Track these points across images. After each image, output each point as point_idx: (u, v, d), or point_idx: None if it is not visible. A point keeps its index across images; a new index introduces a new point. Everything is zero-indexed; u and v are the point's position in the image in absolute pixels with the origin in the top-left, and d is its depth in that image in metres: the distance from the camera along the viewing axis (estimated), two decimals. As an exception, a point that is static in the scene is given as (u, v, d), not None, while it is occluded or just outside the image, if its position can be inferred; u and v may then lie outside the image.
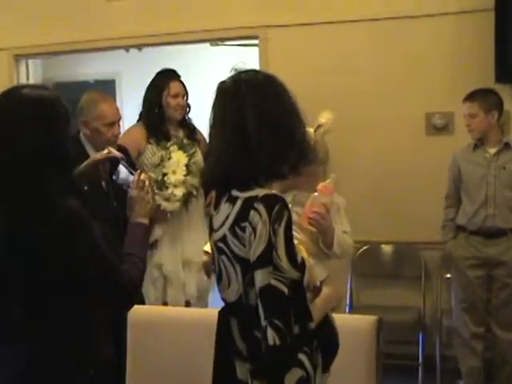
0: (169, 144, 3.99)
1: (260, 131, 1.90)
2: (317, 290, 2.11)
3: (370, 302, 4.82)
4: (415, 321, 4.56)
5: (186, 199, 3.95)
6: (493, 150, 4.13)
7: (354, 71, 4.75)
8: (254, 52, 5.08)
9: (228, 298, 2.01)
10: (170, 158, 3.93)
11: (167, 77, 4.18)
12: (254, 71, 2.05)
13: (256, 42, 5.06)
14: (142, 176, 2.36)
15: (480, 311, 4.18)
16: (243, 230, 1.89)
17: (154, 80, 4.20)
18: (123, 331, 2.81)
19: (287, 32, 4.87)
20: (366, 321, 2.59)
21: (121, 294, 2.10)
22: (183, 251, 4.06)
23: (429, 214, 4.51)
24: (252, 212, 1.87)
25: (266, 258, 1.85)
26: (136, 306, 2.73)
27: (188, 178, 3.92)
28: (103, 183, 3.36)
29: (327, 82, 4.73)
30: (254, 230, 1.86)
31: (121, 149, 3.64)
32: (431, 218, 4.44)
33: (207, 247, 2.23)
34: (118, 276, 2.06)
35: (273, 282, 1.84)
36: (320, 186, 2.18)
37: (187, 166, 3.92)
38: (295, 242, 2.00)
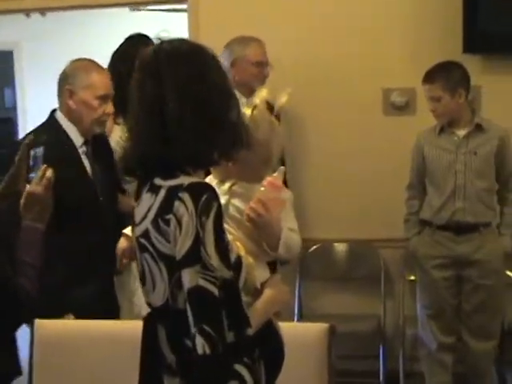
0: None
1: (181, 110, 1.94)
2: (257, 293, 2.17)
3: (321, 309, 4.86)
4: (374, 331, 4.64)
5: None
6: (462, 133, 4.15)
7: (300, 39, 4.76)
8: (183, 18, 5.10)
9: (154, 302, 2.05)
10: None
11: (140, 43, 3.97)
12: (179, 40, 2.08)
13: (184, 6, 5.07)
14: (48, 173, 2.33)
15: (449, 318, 4.26)
16: (167, 223, 1.94)
17: (121, 47, 4.13)
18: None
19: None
20: (315, 329, 2.65)
21: (17, 309, 2.13)
22: None
23: (388, 206, 4.62)
24: (177, 202, 1.92)
25: (194, 256, 1.90)
26: (41, 320, 2.76)
27: None
28: None
29: (270, 54, 4.74)
30: (180, 223, 1.91)
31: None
32: (391, 211, 4.54)
33: (128, 230, 2.26)
34: (13, 290, 2.10)
35: (201, 282, 1.89)
36: (266, 180, 2.23)
37: None
38: (230, 237, 2.07)
